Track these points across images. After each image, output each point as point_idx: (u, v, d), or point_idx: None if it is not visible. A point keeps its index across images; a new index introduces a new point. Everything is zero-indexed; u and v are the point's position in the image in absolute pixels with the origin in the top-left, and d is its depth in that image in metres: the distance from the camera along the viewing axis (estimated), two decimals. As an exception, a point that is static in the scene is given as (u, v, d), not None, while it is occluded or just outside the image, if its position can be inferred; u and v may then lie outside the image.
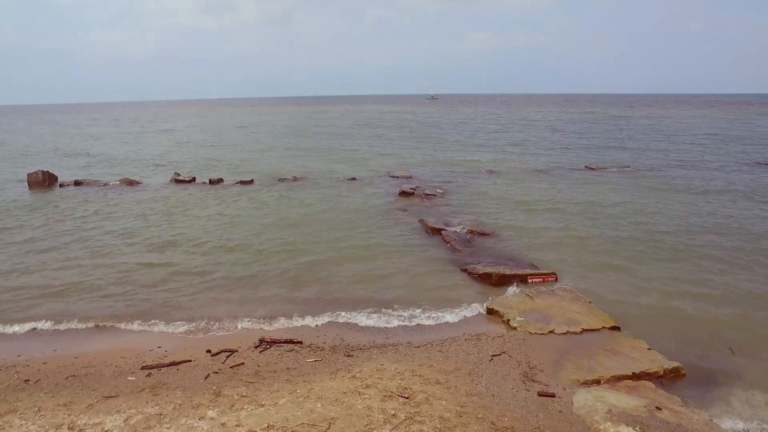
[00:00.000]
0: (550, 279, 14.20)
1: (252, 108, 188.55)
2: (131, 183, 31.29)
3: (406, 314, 12.11)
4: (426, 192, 25.80)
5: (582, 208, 22.12)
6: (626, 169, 32.87)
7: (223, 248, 17.14)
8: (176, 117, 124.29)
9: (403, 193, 25.36)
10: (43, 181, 31.16)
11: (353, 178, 30.98)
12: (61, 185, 31.06)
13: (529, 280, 14.06)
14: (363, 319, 11.84)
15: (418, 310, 12.28)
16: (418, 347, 10.29)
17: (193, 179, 32.37)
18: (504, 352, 9.97)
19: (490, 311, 12.09)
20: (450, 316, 11.94)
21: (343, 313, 12.11)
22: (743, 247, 16.77)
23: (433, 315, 12.04)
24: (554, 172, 32.07)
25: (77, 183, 31.50)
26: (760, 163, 34.89)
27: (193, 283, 14.13)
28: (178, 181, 31.98)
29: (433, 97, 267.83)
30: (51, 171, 32.36)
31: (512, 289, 13.36)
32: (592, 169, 32.83)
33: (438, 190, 26.55)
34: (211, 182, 31.53)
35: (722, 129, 65.25)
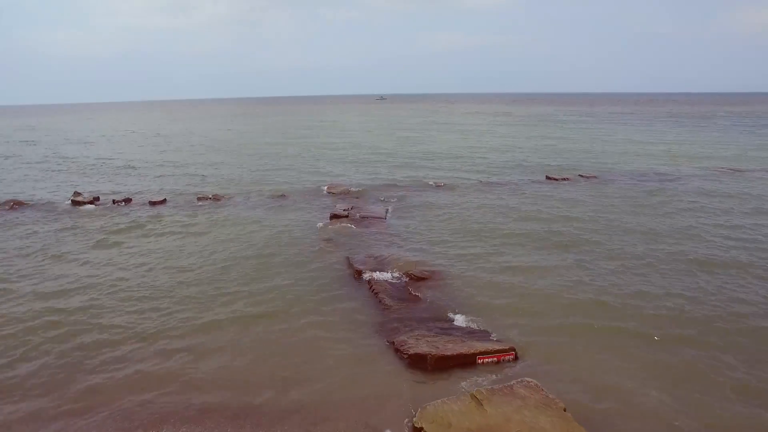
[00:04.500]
0: (507, 357, 10.24)
1: (205, 109, 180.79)
2: (15, 205, 26.04)
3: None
4: (362, 214, 21.63)
5: (545, 236, 18.26)
6: (592, 179, 29.48)
7: (50, 321, 12.24)
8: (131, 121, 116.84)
9: (335, 217, 21.14)
10: None
11: (282, 195, 26.58)
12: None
13: (479, 362, 10.08)
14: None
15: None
16: None
17: (96, 199, 27.36)
18: None
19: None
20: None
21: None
22: None
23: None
24: (511, 185, 28.36)
25: (-51, 206, 26.15)
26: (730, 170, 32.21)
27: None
28: (76, 203, 26.92)
29: (381, 98, 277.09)
30: None
31: (452, 381, 9.32)
32: (554, 179, 29.28)
33: (377, 210, 22.45)
34: (115, 203, 26.66)
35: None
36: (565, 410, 8.32)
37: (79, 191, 29.20)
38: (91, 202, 26.86)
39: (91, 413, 8.68)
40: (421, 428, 7.99)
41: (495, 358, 10.14)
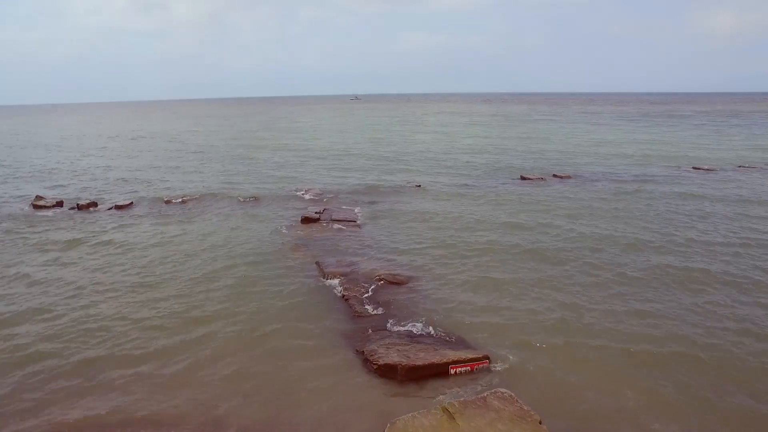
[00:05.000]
0: (481, 365, 9.87)
1: (177, 110, 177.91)
2: (-30, 211, 24.88)
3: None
4: (334, 217, 21.13)
5: (522, 243, 17.71)
6: (567, 179, 29.43)
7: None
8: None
9: (306, 220, 20.59)
10: None
11: (253, 198, 25.93)
12: None
13: (452, 371, 9.68)
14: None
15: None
16: None
17: (59, 204, 26.32)
18: None
19: (387, 450, 7.55)
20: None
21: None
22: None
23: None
24: (486, 186, 28.09)
25: None
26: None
27: None
28: (38, 207, 25.86)
29: (356, 98, 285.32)
30: None
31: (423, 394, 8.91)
32: (529, 179, 29.20)
33: (351, 213, 21.99)
34: (79, 207, 25.61)
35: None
36: (540, 423, 7.95)
37: (41, 195, 28.14)
38: (53, 207, 25.86)
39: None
40: (390, 446, 7.56)
41: (468, 367, 9.75)
